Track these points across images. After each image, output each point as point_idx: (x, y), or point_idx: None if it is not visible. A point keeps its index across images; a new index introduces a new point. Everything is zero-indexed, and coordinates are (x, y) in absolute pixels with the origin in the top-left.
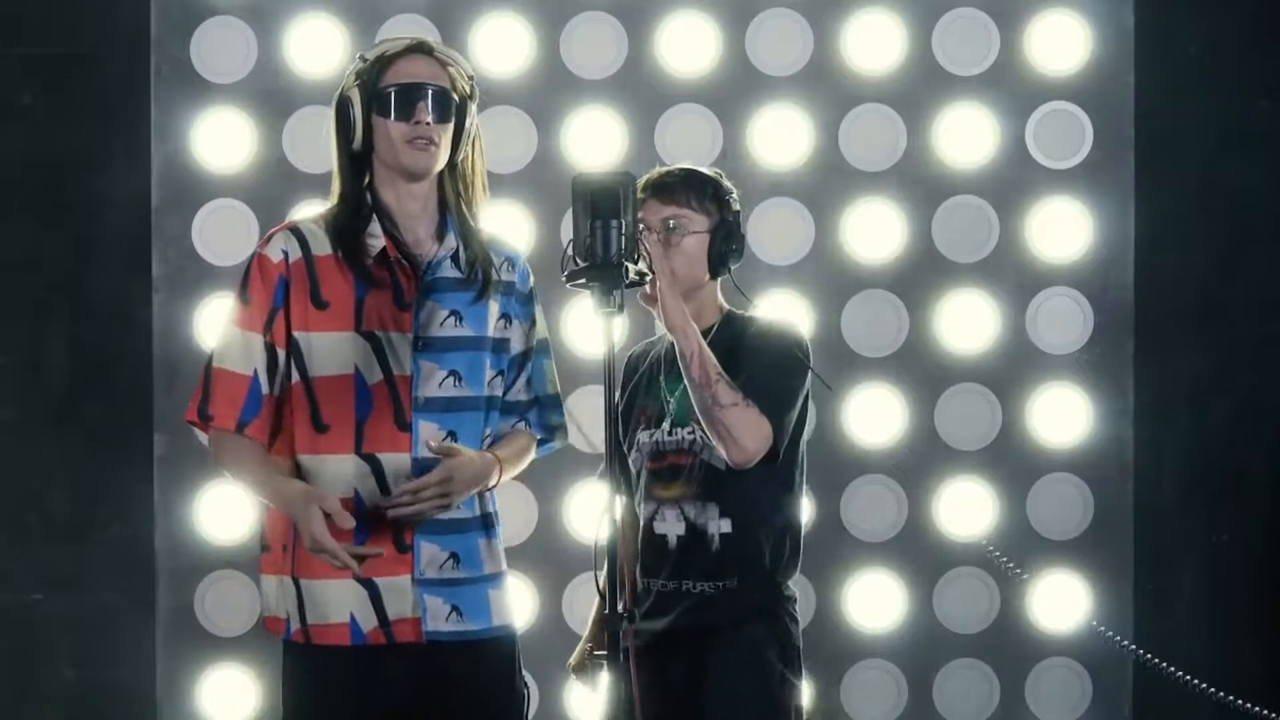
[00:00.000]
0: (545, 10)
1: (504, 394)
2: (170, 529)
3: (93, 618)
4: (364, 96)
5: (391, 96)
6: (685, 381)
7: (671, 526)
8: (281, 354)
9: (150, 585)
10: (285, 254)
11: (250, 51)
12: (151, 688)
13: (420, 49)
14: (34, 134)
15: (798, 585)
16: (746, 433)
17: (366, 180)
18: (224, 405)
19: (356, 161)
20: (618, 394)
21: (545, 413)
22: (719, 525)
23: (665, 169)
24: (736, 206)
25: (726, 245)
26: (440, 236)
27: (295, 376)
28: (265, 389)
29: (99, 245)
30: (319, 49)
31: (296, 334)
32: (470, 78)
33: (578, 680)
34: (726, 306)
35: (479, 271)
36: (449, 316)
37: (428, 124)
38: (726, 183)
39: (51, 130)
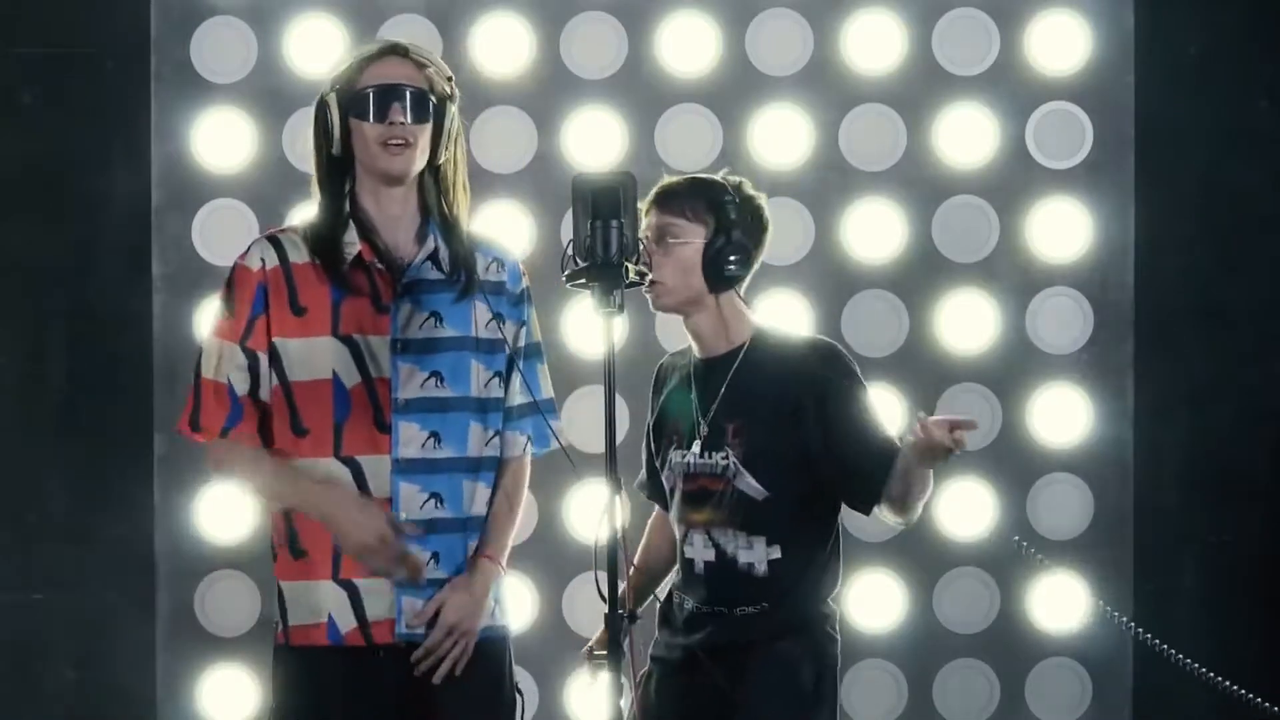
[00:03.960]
0: (545, 10)
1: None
2: (170, 529)
3: (93, 618)
4: (341, 100)
5: (368, 98)
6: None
7: (700, 552)
8: (264, 358)
9: (150, 585)
10: (263, 261)
11: (250, 51)
12: (151, 688)
13: (395, 51)
14: (34, 134)
15: (835, 600)
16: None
17: (348, 186)
18: (211, 415)
19: (337, 167)
20: (648, 407)
21: (541, 418)
22: (768, 553)
23: (675, 178)
24: (734, 215)
25: (723, 257)
26: (421, 239)
27: (275, 381)
28: (243, 394)
29: (99, 245)
30: (319, 49)
31: (276, 340)
32: (449, 79)
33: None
34: (756, 324)
35: (461, 271)
36: (429, 318)
37: (403, 124)
38: (748, 189)
39: (51, 130)
